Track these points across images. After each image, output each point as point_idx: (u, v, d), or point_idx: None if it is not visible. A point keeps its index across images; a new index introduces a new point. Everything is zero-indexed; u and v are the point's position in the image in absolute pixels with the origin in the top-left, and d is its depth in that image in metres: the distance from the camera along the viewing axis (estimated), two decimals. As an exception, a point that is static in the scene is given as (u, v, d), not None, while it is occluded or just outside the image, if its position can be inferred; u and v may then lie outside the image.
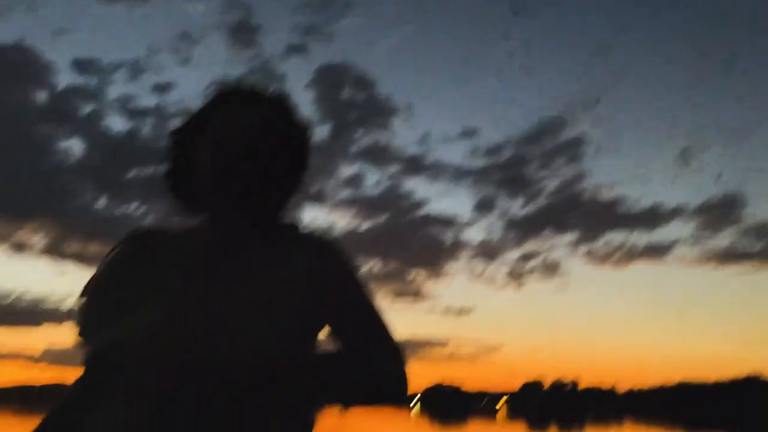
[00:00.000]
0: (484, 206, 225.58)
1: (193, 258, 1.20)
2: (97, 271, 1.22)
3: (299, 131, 1.28)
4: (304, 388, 1.13)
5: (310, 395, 1.16)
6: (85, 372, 1.19)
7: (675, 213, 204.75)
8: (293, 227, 1.29)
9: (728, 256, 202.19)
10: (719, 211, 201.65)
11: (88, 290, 1.21)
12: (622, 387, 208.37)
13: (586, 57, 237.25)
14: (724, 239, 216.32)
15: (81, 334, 1.19)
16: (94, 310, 1.19)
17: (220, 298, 1.13)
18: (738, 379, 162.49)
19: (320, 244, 1.26)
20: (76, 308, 1.20)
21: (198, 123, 1.24)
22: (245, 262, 1.20)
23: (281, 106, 1.26)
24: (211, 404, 1.03)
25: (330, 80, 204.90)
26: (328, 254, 1.25)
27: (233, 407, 1.04)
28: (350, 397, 1.25)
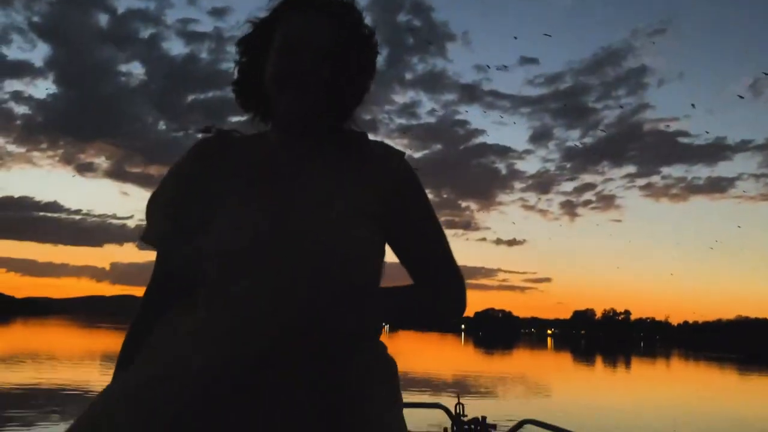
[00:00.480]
0: (540, 137, 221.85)
1: (267, 164, 1.22)
2: (168, 176, 1.24)
3: (367, 38, 1.26)
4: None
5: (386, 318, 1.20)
6: (159, 281, 1.23)
7: (739, 147, 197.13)
8: (363, 135, 1.29)
9: None
10: None
11: (159, 196, 1.23)
12: (676, 319, 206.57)
13: None
14: None
15: (153, 240, 1.22)
16: (170, 216, 1.21)
17: (302, 205, 1.15)
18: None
19: (391, 156, 1.27)
20: (146, 214, 1.22)
21: (266, 30, 1.24)
22: (318, 169, 1.21)
23: (349, 12, 1.24)
24: (315, 310, 1.07)
25: (387, 3, 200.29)
26: (399, 169, 1.27)
27: (332, 313, 1.08)
28: (415, 323, 1.32)
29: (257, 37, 1.25)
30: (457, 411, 4.91)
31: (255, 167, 1.22)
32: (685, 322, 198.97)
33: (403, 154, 1.29)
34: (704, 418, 17.00)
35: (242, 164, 1.22)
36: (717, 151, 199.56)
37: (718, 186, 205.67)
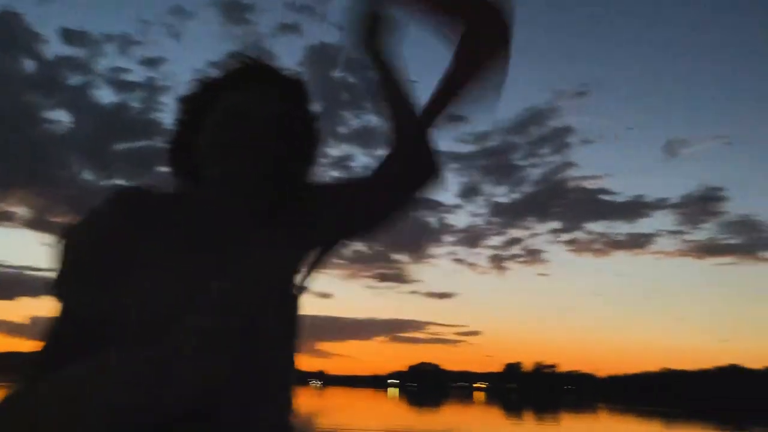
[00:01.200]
0: (469, 192, 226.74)
1: (194, 226, 1.15)
2: (77, 229, 1.12)
3: (307, 120, 1.23)
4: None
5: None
6: (59, 335, 1.07)
7: (657, 205, 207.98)
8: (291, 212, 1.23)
9: (708, 249, 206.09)
10: (700, 204, 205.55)
11: (74, 245, 1.10)
12: (603, 372, 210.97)
13: (575, 48, 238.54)
14: (704, 232, 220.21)
15: (62, 295, 1.08)
16: (80, 271, 1.08)
17: (224, 275, 1.08)
18: (719, 368, 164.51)
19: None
20: (56, 267, 1.09)
21: (208, 95, 1.20)
22: (246, 237, 1.16)
23: (298, 86, 1.23)
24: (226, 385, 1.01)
25: (322, 60, 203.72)
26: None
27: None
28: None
29: (201, 97, 1.20)
30: None
31: (180, 228, 1.14)
32: (610, 376, 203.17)
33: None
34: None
35: (165, 223, 1.14)
36: (636, 208, 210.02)
37: (637, 242, 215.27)
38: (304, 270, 1.19)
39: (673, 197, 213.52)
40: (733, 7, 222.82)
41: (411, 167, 1.23)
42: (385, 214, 1.26)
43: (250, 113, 1.15)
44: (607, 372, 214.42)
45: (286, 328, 1.14)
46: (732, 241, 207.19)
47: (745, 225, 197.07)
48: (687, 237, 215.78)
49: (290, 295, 1.16)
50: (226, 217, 1.17)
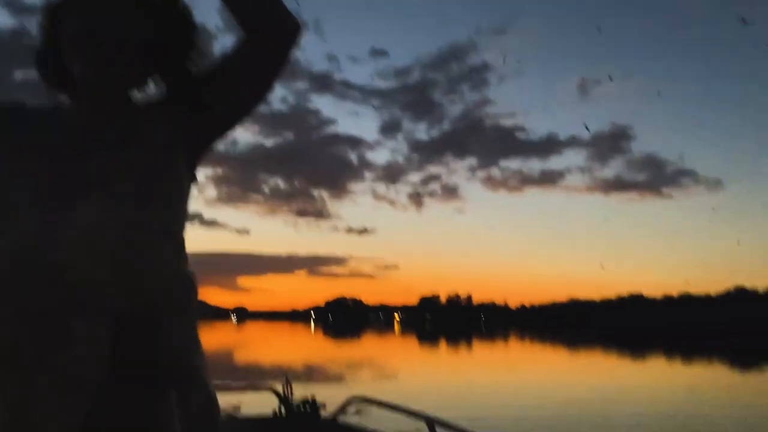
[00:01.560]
0: (389, 128, 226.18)
1: (58, 142, 1.08)
2: None
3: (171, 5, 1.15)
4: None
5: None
6: None
7: (569, 143, 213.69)
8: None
9: (615, 185, 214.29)
10: (609, 143, 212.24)
11: None
12: (515, 302, 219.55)
13: None
14: (612, 169, 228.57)
15: None
16: None
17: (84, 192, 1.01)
18: (622, 297, 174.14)
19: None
20: None
21: None
22: (110, 147, 1.08)
23: None
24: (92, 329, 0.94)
25: None
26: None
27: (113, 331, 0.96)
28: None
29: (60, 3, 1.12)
30: (285, 393, 4.94)
31: (50, 142, 1.08)
32: (522, 306, 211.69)
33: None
34: (535, 392, 18.10)
35: (35, 138, 1.08)
36: (549, 146, 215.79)
37: (549, 178, 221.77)
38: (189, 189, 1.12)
39: (584, 135, 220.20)
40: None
41: (270, 25, 1.12)
42: (263, 80, 1.17)
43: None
44: (519, 302, 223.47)
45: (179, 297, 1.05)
46: (637, 178, 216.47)
47: (649, 162, 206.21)
48: (596, 173, 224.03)
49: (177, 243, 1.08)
50: (99, 125, 1.10)
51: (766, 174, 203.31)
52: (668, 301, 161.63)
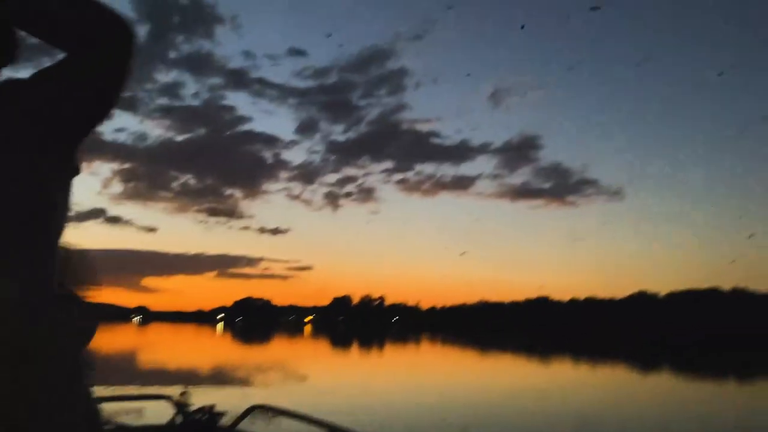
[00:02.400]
0: (306, 128, 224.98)
1: None
2: None
3: None
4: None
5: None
6: None
7: (481, 150, 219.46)
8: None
9: (522, 192, 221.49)
10: (519, 151, 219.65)
11: None
12: (426, 304, 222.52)
13: None
14: (520, 176, 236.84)
15: None
16: None
17: None
18: (530, 300, 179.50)
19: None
20: None
21: None
22: None
23: None
24: None
25: None
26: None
27: None
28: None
29: None
30: (182, 400, 4.66)
31: None
32: (434, 308, 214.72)
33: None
34: (445, 390, 18.23)
35: None
36: (462, 152, 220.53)
37: (461, 184, 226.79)
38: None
39: (496, 142, 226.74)
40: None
41: (97, 28, 0.96)
42: (106, 89, 1.00)
43: None
44: (431, 304, 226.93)
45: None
46: (543, 186, 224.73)
47: (555, 171, 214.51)
48: (505, 180, 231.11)
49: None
50: None
51: (664, 184, 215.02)
52: (574, 304, 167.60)
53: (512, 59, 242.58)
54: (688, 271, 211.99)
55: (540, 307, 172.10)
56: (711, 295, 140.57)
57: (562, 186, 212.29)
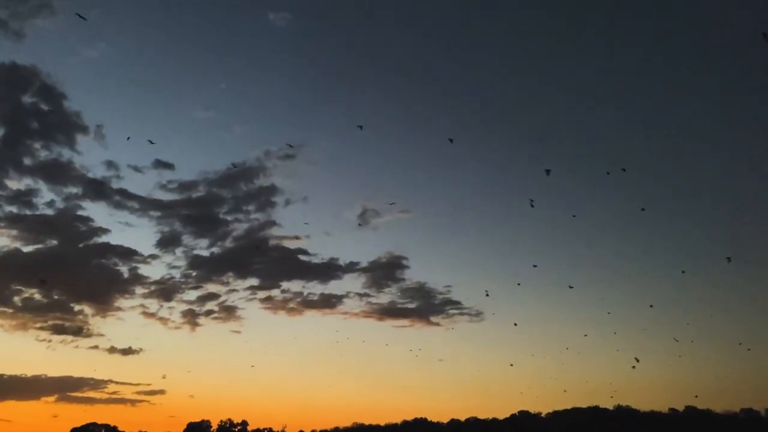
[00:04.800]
0: (168, 242, 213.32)
1: None
2: None
3: None
4: None
5: None
6: None
7: (349, 268, 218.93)
8: None
9: (389, 311, 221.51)
10: (385, 270, 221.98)
11: None
12: (294, 428, 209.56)
13: (286, 110, 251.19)
14: (387, 296, 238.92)
15: None
16: None
17: None
18: (407, 422, 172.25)
19: None
20: None
21: None
22: None
23: None
24: None
25: (11, 81, 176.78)
26: None
27: None
28: None
29: None
30: None
31: None
32: (301, 431, 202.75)
33: None
34: None
35: None
36: (330, 270, 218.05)
37: (329, 302, 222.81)
38: None
39: (363, 262, 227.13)
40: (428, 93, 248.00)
41: None
42: None
43: None
44: (298, 427, 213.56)
45: None
46: (409, 305, 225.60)
47: (420, 291, 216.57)
48: (372, 299, 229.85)
49: None
50: None
51: (521, 309, 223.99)
52: (456, 425, 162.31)
53: (380, 182, 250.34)
54: (569, 391, 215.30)
55: (419, 428, 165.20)
56: (593, 413, 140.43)
57: (426, 306, 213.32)
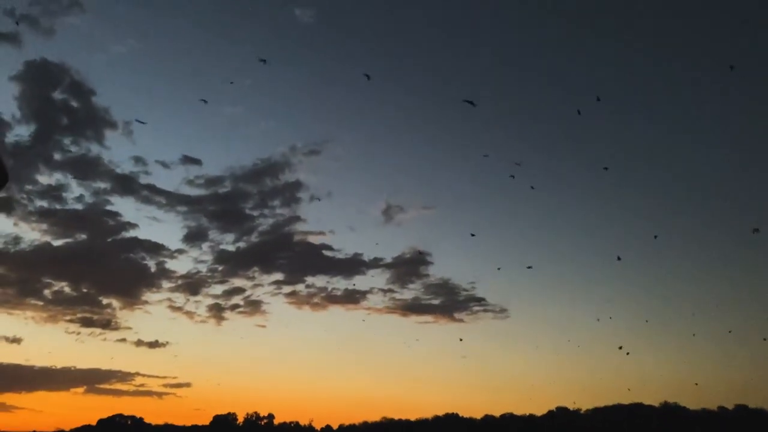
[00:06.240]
0: (195, 237, 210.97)
1: None
2: None
3: None
4: None
5: None
6: None
7: (373, 264, 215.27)
8: None
9: (412, 307, 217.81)
10: (409, 267, 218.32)
11: None
12: (320, 423, 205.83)
13: (312, 105, 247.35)
14: (410, 292, 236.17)
15: None
16: None
17: None
18: (438, 417, 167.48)
19: None
20: None
21: None
22: None
23: None
24: None
25: (42, 78, 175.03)
26: None
27: None
28: None
29: None
30: None
31: None
32: (328, 426, 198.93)
33: None
34: None
35: None
36: (354, 266, 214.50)
37: (353, 297, 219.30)
38: None
39: (387, 258, 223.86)
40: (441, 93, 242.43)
41: None
42: None
43: None
44: (325, 422, 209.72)
45: None
46: (433, 302, 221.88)
47: (443, 287, 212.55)
48: (396, 295, 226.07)
49: None
50: None
51: (545, 306, 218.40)
52: (490, 420, 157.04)
53: (404, 178, 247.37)
54: (611, 387, 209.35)
55: (451, 423, 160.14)
56: (637, 410, 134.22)
57: (449, 302, 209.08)
